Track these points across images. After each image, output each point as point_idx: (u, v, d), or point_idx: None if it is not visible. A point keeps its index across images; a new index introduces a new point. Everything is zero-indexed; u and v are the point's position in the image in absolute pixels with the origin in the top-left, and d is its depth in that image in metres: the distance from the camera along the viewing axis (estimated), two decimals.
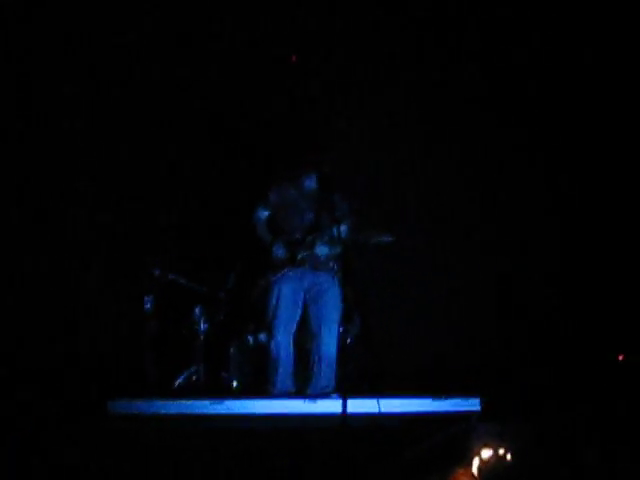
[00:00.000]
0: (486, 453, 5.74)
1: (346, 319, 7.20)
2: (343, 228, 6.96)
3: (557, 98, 8.43)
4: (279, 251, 7.05)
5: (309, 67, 8.43)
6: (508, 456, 5.69)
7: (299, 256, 7.03)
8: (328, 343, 7.03)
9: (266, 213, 7.27)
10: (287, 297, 7.06)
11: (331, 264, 7.06)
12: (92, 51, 8.09)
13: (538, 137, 8.45)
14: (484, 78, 8.53)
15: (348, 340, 7.51)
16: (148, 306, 7.61)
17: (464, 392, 6.51)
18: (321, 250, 7.05)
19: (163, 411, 6.23)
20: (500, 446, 5.74)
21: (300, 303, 7.12)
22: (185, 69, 8.30)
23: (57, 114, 8.09)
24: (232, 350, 7.70)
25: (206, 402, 6.31)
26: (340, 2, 8.48)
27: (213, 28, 8.31)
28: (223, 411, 6.26)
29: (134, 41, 8.15)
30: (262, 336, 7.66)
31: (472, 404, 6.42)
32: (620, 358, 7.82)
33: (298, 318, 7.13)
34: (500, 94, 8.49)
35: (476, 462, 5.74)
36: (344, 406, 5.28)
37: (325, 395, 6.82)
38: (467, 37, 8.46)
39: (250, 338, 7.80)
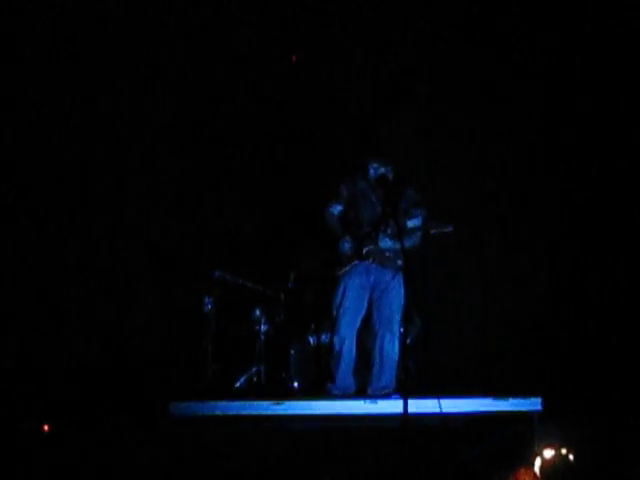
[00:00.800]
0: (548, 453, 5.71)
1: (406, 319, 7.17)
2: (416, 220, 6.98)
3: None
4: (346, 245, 7.01)
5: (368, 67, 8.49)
6: (570, 456, 5.65)
7: (364, 250, 7.02)
8: (390, 343, 7.00)
9: (339, 208, 7.24)
10: (353, 291, 7.02)
11: (398, 262, 6.99)
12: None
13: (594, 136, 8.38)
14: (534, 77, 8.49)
15: (408, 340, 7.47)
16: (208, 307, 7.65)
17: (526, 392, 6.46)
18: (385, 244, 7.02)
19: (224, 412, 6.25)
20: (562, 446, 5.70)
21: (366, 298, 7.07)
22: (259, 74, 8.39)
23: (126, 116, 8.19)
24: (292, 351, 7.71)
25: (266, 403, 6.31)
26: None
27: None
28: (283, 412, 6.26)
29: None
30: (324, 336, 7.67)
31: (534, 404, 6.36)
32: None
33: (363, 313, 7.09)
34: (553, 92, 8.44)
35: (538, 462, 5.70)
36: (405, 406, 5.25)
37: (386, 395, 6.82)
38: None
39: (311, 339, 7.81)
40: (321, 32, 8.42)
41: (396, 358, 7.00)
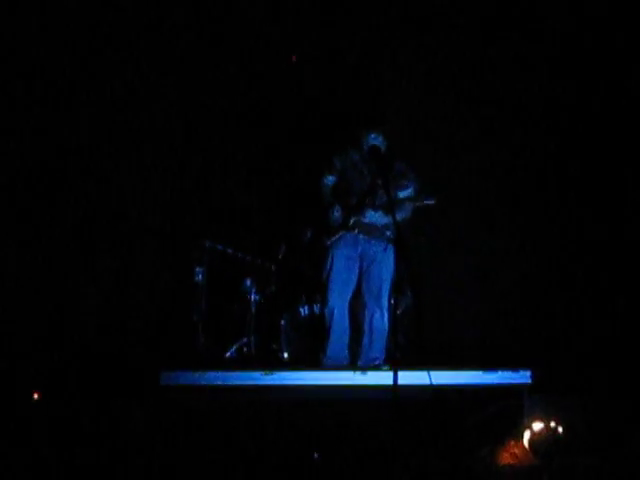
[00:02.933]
0: (537, 426, 5.72)
1: (398, 291, 7.16)
2: (407, 192, 6.97)
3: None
4: (335, 213, 7.00)
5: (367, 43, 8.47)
6: (559, 429, 5.67)
7: (350, 221, 7.00)
8: (379, 315, 7.01)
9: (332, 179, 7.22)
10: (340, 262, 7.02)
11: (387, 233, 6.97)
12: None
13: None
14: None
15: (399, 312, 7.46)
16: (199, 277, 7.65)
17: (515, 364, 6.47)
18: (371, 216, 7.01)
19: (214, 382, 6.26)
20: (551, 419, 5.72)
21: (355, 269, 7.07)
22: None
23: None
24: (283, 322, 7.72)
25: (256, 373, 6.32)
26: None
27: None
28: (273, 382, 6.27)
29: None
30: (316, 307, 7.67)
31: (523, 376, 6.37)
32: None
33: (353, 285, 7.08)
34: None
35: (527, 435, 5.72)
36: (395, 378, 5.26)
37: (376, 367, 6.82)
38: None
39: (302, 309, 7.81)
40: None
41: (386, 329, 7.01)
